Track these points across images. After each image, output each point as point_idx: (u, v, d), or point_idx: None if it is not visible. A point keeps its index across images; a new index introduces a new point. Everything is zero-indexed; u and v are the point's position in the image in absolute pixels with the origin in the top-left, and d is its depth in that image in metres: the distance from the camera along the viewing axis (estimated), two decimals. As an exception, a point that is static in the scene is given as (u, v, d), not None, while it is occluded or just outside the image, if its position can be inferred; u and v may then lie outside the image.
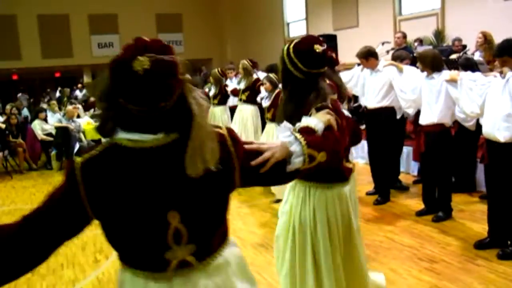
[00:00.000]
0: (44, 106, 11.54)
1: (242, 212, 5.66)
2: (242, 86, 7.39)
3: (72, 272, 4.21)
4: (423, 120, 4.79)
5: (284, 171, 1.52)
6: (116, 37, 18.04)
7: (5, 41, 16.00)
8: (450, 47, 8.16)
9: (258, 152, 1.45)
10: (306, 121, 1.73)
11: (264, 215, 5.48)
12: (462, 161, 5.48)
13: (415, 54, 6.42)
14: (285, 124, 1.73)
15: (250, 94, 7.13)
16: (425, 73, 4.75)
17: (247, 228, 5.05)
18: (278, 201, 4.88)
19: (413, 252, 4.15)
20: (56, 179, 8.49)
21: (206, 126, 1.31)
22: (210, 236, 1.40)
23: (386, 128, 5.50)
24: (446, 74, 4.55)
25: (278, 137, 1.59)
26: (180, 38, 18.95)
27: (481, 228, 4.43)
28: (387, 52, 7.70)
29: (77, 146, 8.94)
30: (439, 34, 9.81)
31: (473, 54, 7.01)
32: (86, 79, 18.77)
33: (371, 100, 5.57)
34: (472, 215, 4.93)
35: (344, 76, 6.19)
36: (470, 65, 5.02)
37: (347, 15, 12.43)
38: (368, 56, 5.45)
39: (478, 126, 4.20)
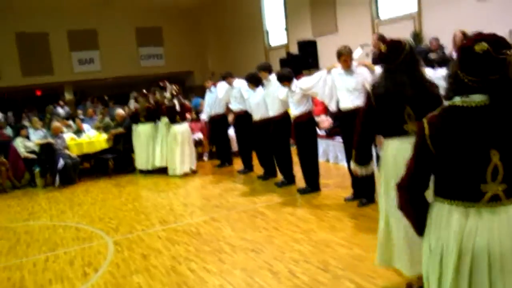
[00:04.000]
0: (26, 123, 11.40)
1: (231, 218, 5.66)
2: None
3: (61, 287, 4.15)
4: None
5: None
6: (96, 53, 17.97)
7: (-16, 60, 15.83)
8: (429, 47, 8.30)
9: None
10: None
11: (253, 220, 5.48)
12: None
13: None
14: None
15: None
16: None
17: (237, 234, 5.04)
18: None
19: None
20: (41, 196, 8.37)
21: None
22: None
23: None
24: None
25: None
26: (161, 51, 18.93)
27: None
28: (367, 54, 7.76)
29: (61, 161, 8.80)
30: (417, 36, 9.98)
31: (450, 54, 7.14)
32: (68, 96, 18.62)
33: (345, 101, 5.48)
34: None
35: (307, 82, 6.11)
36: (444, 61, 5.08)
37: (326, 21, 12.57)
38: (339, 57, 5.45)
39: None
